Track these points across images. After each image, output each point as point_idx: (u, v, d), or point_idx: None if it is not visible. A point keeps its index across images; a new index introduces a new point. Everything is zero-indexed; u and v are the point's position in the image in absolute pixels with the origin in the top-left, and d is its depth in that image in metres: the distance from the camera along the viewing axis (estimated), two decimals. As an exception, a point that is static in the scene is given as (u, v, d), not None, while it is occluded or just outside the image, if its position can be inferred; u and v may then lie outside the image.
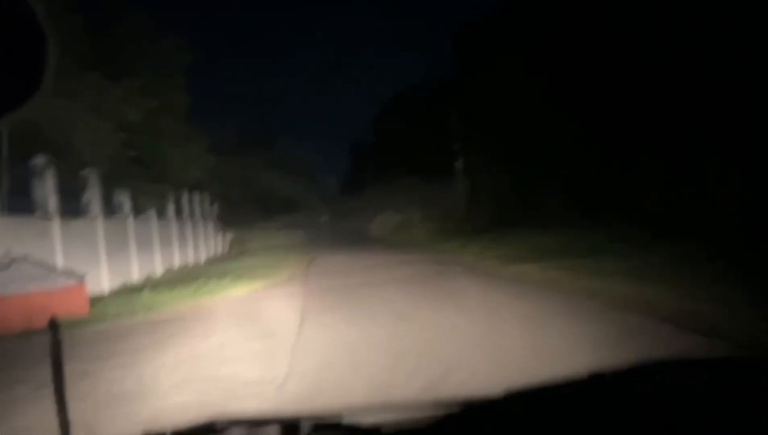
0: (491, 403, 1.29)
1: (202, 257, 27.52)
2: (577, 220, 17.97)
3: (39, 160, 13.77)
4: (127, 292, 14.90)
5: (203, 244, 28.46)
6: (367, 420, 1.24)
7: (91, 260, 15.39)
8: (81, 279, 12.06)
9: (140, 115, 15.58)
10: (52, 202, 13.93)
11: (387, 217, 37.15)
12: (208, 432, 1.13)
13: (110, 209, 17.47)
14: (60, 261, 13.58)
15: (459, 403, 1.29)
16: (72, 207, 15.00)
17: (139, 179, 17.85)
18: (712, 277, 8.58)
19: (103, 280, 15.96)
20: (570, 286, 10.13)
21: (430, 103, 32.67)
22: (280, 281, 15.30)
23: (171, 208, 23.20)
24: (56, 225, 13.73)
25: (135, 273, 18.42)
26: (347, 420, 1.22)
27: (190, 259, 25.34)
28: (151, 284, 16.65)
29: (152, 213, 20.72)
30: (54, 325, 1.63)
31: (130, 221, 18.66)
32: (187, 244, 25.42)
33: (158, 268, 20.61)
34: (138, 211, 19.47)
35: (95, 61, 14.27)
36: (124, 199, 18.45)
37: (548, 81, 20.67)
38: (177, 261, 23.25)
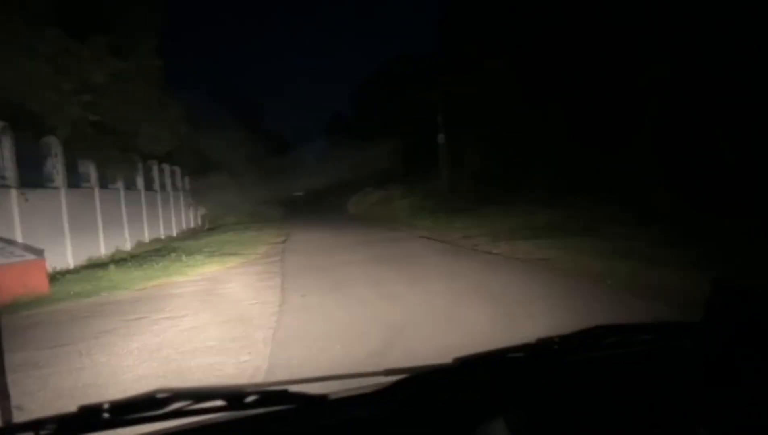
0: (440, 369, 1.28)
1: (174, 231, 26.53)
2: (561, 199, 17.36)
3: (-6, 125, 12.74)
4: (93, 267, 13.98)
5: (175, 217, 27.43)
6: (315, 389, 1.20)
7: (54, 234, 14.42)
8: (39, 254, 11.15)
9: (107, 78, 14.45)
10: (10, 170, 12.89)
11: (365, 194, 36.22)
12: (149, 404, 1.06)
13: (75, 180, 16.43)
14: (19, 234, 12.60)
15: (409, 370, 1.27)
16: (33, 178, 13.97)
17: (107, 148, 16.74)
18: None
19: (67, 254, 15.01)
20: (570, 266, 9.47)
21: (413, 75, 31.81)
22: (257, 258, 14.47)
23: (141, 180, 22.16)
24: (14, 196, 12.71)
25: (102, 247, 17.44)
26: (293, 389, 1.18)
27: (162, 233, 24.34)
28: (119, 259, 15.76)
29: (120, 184, 19.70)
30: None
31: (97, 193, 17.63)
32: (158, 217, 24.40)
33: (127, 243, 19.62)
34: (105, 182, 18.45)
35: (57, 17, 13.14)
36: (89, 170, 17.41)
37: (533, 60, 20.10)
38: (147, 235, 22.27)
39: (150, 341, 6.45)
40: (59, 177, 15.18)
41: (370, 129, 44.83)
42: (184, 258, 14.46)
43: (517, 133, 22.02)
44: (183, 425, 1.16)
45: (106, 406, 1.03)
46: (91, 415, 1.04)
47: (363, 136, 47.58)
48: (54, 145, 14.91)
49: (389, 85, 40.29)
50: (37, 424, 1.02)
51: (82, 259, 15.60)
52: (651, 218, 12.55)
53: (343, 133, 59.72)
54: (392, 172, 34.14)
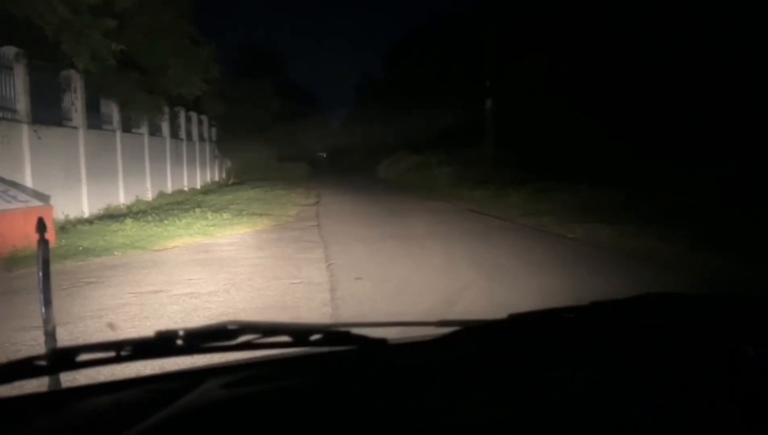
0: (494, 323, 1.28)
1: (198, 184, 25.19)
2: (616, 178, 15.57)
3: (7, 50, 11.22)
4: (110, 218, 12.57)
5: (200, 169, 26.08)
6: (376, 333, 1.22)
7: (69, 178, 13.04)
8: (46, 200, 9.77)
9: (133, 1, 12.79)
10: (22, 103, 11.43)
11: (398, 158, 34.40)
12: (220, 334, 1.07)
13: (95, 121, 14.99)
14: (29, 177, 11.21)
15: (464, 323, 1.28)
16: (49, 114, 12.52)
17: (131, 87, 15.22)
18: None
19: (82, 201, 13.66)
20: (692, 266, 7.76)
21: (456, 36, 29.89)
22: (289, 221, 12.97)
23: (166, 126, 20.71)
24: (25, 132, 11.26)
25: (122, 196, 16.10)
26: (356, 331, 1.18)
27: (185, 184, 23.00)
28: (138, 211, 14.37)
29: (144, 129, 18.26)
30: (44, 241, 2.29)
31: (119, 136, 16.20)
32: (183, 168, 23.02)
33: (149, 193, 18.28)
34: (128, 125, 17.00)
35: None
36: (112, 111, 15.95)
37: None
38: (170, 186, 20.95)
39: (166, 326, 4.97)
40: (78, 115, 13.72)
41: (403, 91, 42.94)
42: (209, 215, 13.00)
43: (569, 107, 20.21)
44: (250, 358, 1.25)
45: (181, 333, 1.05)
46: (167, 340, 1.05)
47: (394, 98, 45.68)
48: (74, 79, 13.42)
49: (425, 47, 38.29)
50: (118, 346, 1.02)
51: (99, 207, 14.26)
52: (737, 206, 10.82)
53: (373, 95, 57.79)
54: (428, 138, 32.30)
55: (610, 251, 8.84)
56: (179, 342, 1.06)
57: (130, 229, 10.98)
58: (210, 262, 8.16)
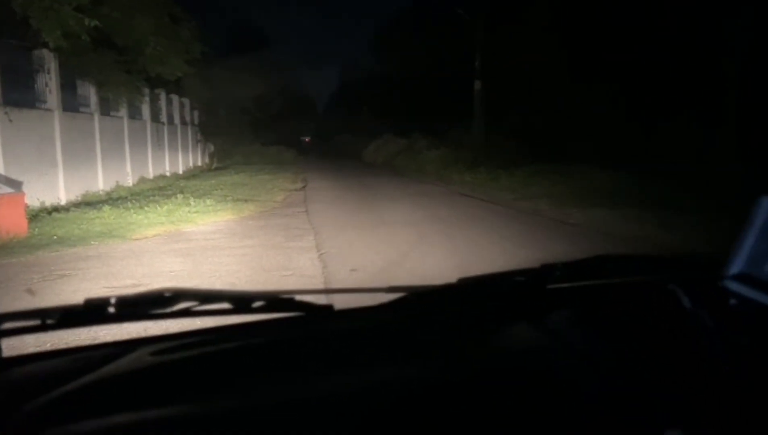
0: (443, 287, 1.27)
1: (181, 168, 24.51)
2: (613, 162, 15.16)
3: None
4: (88, 205, 12.00)
5: (182, 153, 25.33)
6: (320, 301, 1.22)
7: (44, 163, 12.41)
8: (18, 187, 9.19)
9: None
10: (-9, 84, 10.80)
11: (386, 142, 33.80)
12: (156, 301, 1.05)
13: (72, 103, 14.31)
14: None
15: (413, 288, 1.26)
16: (21, 96, 11.86)
17: (108, 67, 14.53)
18: None
19: (58, 188, 13.02)
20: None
21: (445, 16, 29.19)
22: (276, 207, 12.45)
23: (147, 109, 20.01)
24: (-6, 114, 10.64)
25: (101, 182, 15.46)
26: (302, 298, 1.17)
27: (167, 169, 22.31)
28: (117, 197, 13.79)
29: (124, 112, 17.57)
30: None
31: (97, 119, 15.52)
32: (164, 152, 22.31)
33: (129, 178, 17.63)
34: (107, 108, 16.32)
35: None
36: (89, 93, 15.27)
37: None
38: (152, 171, 20.25)
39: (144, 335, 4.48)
40: (53, 97, 13.04)
41: (389, 74, 42.30)
42: (192, 201, 12.44)
43: (563, 89, 19.75)
44: (190, 327, 1.19)
45: (112, 300, 1.02)
46: (96, 307, 1.03)
47: (380, 81, 45.07)
48: (47, 58, 12.73)
49: (412, 29, 37.66)
50: (43, 313, 1.00)
51: (77, 193, 13.64)
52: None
53: (359, 78, 57.10)
54: (416, 121, 31.73)
55: (617, 239, 8.40)
56: (111, 309, 1.02)
57: (108, 216, 10.43)
58: (193, 251, 7.64)
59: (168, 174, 21.86)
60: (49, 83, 12.92)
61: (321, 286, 5.61)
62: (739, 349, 0.95)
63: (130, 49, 15.09)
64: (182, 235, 9.06)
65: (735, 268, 1.00)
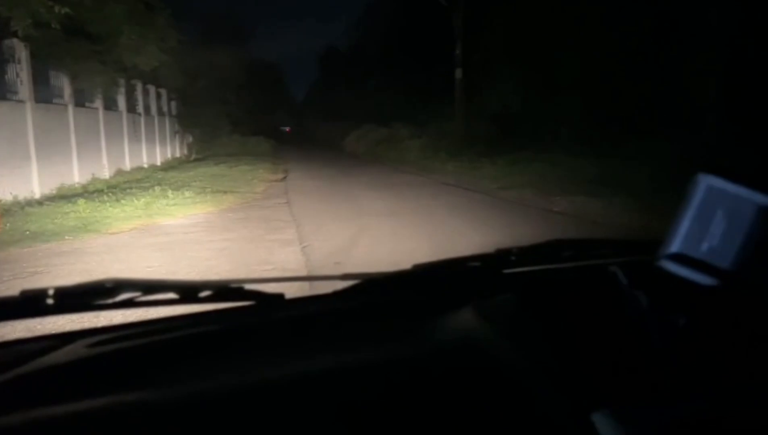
0: (397, 274, 1.26)
1: (159, 160, 24.12)
2: (594, 148, 15.06)
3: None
4: (63, 199, 11.69)
5: (159, 145, 24.94)
6: (275, 288, 1.17)
7: (16, 156, 12.08)
8: (-12, 181, 8.91)
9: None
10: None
11: (366, 131, 33.52)
12: (97, 292, 1.00)
13: (45, 95, 13.93)
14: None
15: (367, 275, 1.25)
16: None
17: (82, 57, 14.15)
18: None
19: (32, 181, 12.69)
20: None
21: (425, 3, 28.98)
22: (257, 199, 12.22)
23: (122, 100, 19.60)
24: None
25: (76, 174, 15.10)
26: (252, 287, 1.13)
27: (145, 161, 21.92)
28: (93, 190, 13.47)
29: (99, 104, 17.19)
30: None
31: (71, 111, 15.16)
32: (141, 143, 21.91)
33: (105, 170, 17.25)
34: (82, 100, 15.94)
35: None
36: (63, 84, 14.90)
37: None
38: (128, 163, 19.87)
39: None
40: (24, 88, 12.68)
41: (368, 63, 42.04)
42: (170, 194, 12.18)
43: (545, 73, 19.59)
44: (134, 318, 1.18)
45: (50, 291, 0.97)
46: (34, 299, 0.98)
47: (359, 70, 44.77)
48: (18, 48, 12.36)
49: (392, 15, 37.39)
50: None
51: (51, 186, 13.29)
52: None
53: (337, 68, 56.71)
54: (396, 110, 31.50)
55: (601, 226, 8.30)
56: (49, 301, 0.98)
57: (83, 210, 10.14)
58: (171, 246, 7.42)
59: (146, 166, 21.49)
60: (20, 74, 12.56)
61: (322, 288, 5.42)
62: (674, 328, 0.95)
63: (104, 39, 14.70)
64: (160, 228, 8.83)
65: (672, 247, 0.96)
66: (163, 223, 9.23)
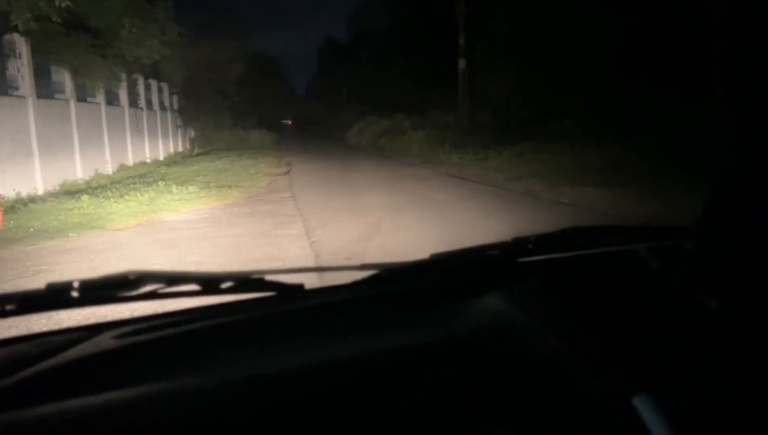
0: (415, 263, 1.26)
1: (162, 155, 24.00)
2: (599, 138, 14.88)
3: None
4: (66, 195, 11.60)
5: (162, 139, 24.81)
6: (295, 279, 1.16)
7: (19, 152, 11.97)
8: (-10, 178, 8.79)
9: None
10: (-40, 70, 10.33)
11: (369, 123, 33.33)
12: (120, 284, 0.99)
13: (47, 90, 13.82)
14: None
15: (385, 265, 1.24)
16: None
17: (83, 51, 14.01)
18: None
19: (35, 178, 12.58)
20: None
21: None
22: (262, 193, 12.11)
23: (124, 95, 19.47)
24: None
25: (79, 170, 14.99)
26: (270, 277, 1.12)
27: (147, 156, 21.80)
28: (97, 186, 13.38)
29: (101, 98, 17.06)
30: None
31: (73, 106, 15.04)
32: (144, 138, 21.78)
33: (108, 166, 17.14)
34: (83, 95, 15.81)
35: None
36: (64, 79, 14.77)
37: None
38: (131, 158, 19.75)
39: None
40: (25, 84, 12.56)
41: (369, 54, 41.78)
42: (174, 189, 12.07)
43: (550, 61, 19.38)
44: (158, 311, 1.18)
45: (75, 284, 0.97)
46: (59, 292, 0.97)
47: (361, 61, 44.51)
48: (18, 43, 12.23)
49: (395, 7, 37.16)
50: (2, 299, 0.94)
51: (54, 183, 13.19)
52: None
53: (338, 59, 56.45)
54: (399, 101, 31.30)
55: (615, 217, 8.15)
56: (74, 293, 0.97)
57: (87, 206, 10.05)
58: (177, 242, 7.31)
59: (148, 160, 21.39)
60: (21, 69, 12.43)
61: (316, 278, 5.30)
62: (707, 311, 0.94)
63: (105, 32, 14.56)
64: (165, 224, 8.72)
65: (700, 233, 1.00)
66: (167, 219, 9.12)
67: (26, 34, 11.82)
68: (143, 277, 1.01)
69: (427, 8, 29.65)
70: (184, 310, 1.18)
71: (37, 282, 5.57)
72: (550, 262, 1.33)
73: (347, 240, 7.05)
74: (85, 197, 10.64)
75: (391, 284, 1.27)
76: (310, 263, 5.96)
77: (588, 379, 0.83)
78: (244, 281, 1.12)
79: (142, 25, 15.23)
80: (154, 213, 9.57)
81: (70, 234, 7.90)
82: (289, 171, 16.94)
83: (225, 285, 1.08)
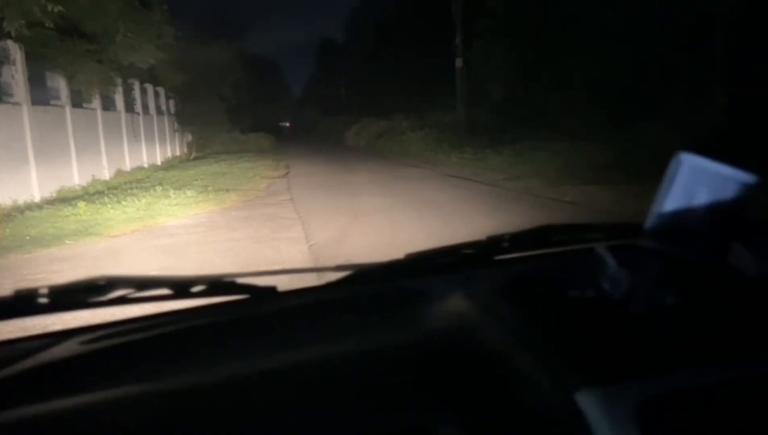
0: (390, 264, 1.27)
1: (159, 159, 23.93)
2: (598, 135, 14.80)
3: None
4: (63, 201, 11.52)
5: (159, 144, 24.77)
6: (266, 282, 1.16)
7: (15, 160, 11.91)
8: (-15, 186, 8.72)
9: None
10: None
11: (366, 124, 33.24)
12: (90, 290, 1.01)
13: (42, 96, 13.74)
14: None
15: (360, 266, 1.27)
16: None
17: (78, 57, 13.92)
18: None
19: (32, 185, 12.52)
20: None
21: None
22: (260, 196, 12.03)
23: (120, 100, 19.39)
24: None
25: (76, 176, 14.93)
26: (242, 280, 1.13)
27: (145, 161, 21.74)
28: (94, 192, 13.30)
29: (97, 104, 16.98)
30: None
31: (68, 112, 14.97)
32: (141, 143, 21.73)
33: (105, 171, 17.09)
34: (79, 101, 15.73)
35: None
36: (60, 85, 14.69)
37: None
38: (128, 163, 19.69)
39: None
40: (20, 90, 12.48)
41: (366, 55, 41.72)
42: (172, 193, 11.98)
43: (547, 57, 19.27)
44: (128, 315, 1.17)
45: (44, 290, 0.98)
46: (28, 298, 0.98)
47: (358, 63, 44.45)
48: (12, 49, 12.15)
49: (389, 4, 37.10)
50: None
51: (51, 189, 13.13)
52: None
53: (335, 61, 56.40)
54: (396, 102, 31.23)
55: (617, 216, 8.07)
56: (43, 300, 0.98)
57: (84, 212, 9.96)
58: (175, 248, 7.23)
59: (146, 165, 21.32)
60: (16, 76, 12.36)
61: (315, 281, 5.23)
62: (660, 306, 0.94)
63: (100, 37, 14.48)
64: (163, 229, 8.64)
65: (656, 224, 1.00)
66: (165, 224, 9.04)
67: (20, 40, 11.74)
68: (113, 283, 1.02)
69: (423, 7, 29.57)
70: (154, 314, 1.17)
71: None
72: (522, 259, 1.37)
73: (346, 243, 6.97)
74: (81, 204, 10.54)
75: (364, 285, 1.28)
76: (309, 266, 5.87)
77: (535, 377, 0.83)
78: (215, 285, 1.13)
79: (137, 30, 15.14)
80: (151, 218, 9.48)
81: (67, 241, 7.82)
82: (287, 173, 16.86)
83: (196, 289, 1.09)
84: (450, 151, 18.90)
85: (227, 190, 12.72)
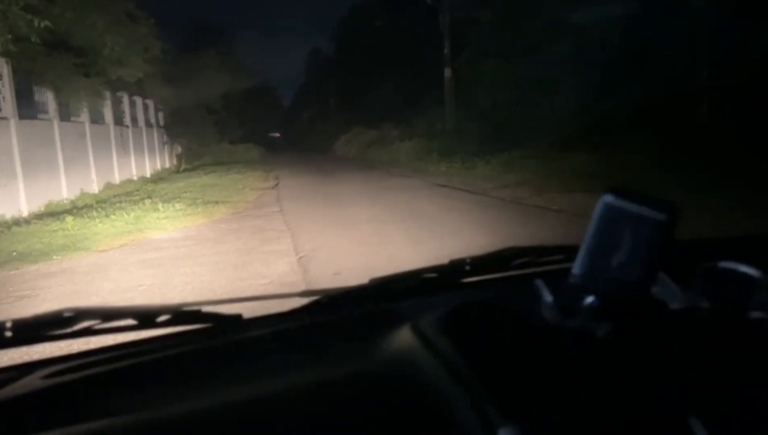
0: (354, 289, 1.29)
1: (148, 172, 23.85)
2: (583, 143, 14.86)
3: None
4: (51, 216, 11.46)
5: (148, 156, 24.68)
6: (230, 310, 1.19)
7: (2, 174, 11.83)
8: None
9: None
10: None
11: (356, 134, 33.30)
12: (55, 322, 1.02)
13: (30, 110, 13.67)
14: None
15: (325, 291, 1.30)
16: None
17: (66, 71, 13.90)
18: None
19: (19, 199, 12.43)
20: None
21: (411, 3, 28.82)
22: (249, 208, 12.01)
23: (109, 113, 19.34)
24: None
25: (64, 190, 14.84)
26: (207, 309, 1.16)
27: (134, 173, 21.66)
28: (82, 205, 13.24)
29: (85, 117, 16.93)
30: None
31: (56, 126, 14.91)
32: (130, 156, 21.65)
33: (94, 185, 17.02)
34: (67, 114, 15.68)
35: None
36: (47, 99, 14.64)
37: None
38: (117, 176, 19.61)
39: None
40: (7, 105, 12.42)
41: (355, 65, 41.78)
42: (161, 206, 11.95)
43: (535, 65, 19.35)
44: (94, 346, 1.17)
45: (8, 324, 0.98)
46: None
47: (347, 73, 44.51)
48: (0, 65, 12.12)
49: (377, 15, 37.20)
50: None
51: (39, 203, 13.05)
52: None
53: (324, 71, 56.44)
54: (385, 112, 31.32)
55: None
56: (6, 333, 0.97)
57: (71, 227, 9.90)
58: (163, 262, 7.20)
59: (135, 178, 21.24)
60: (3, 90, 12.30)
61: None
62: (593, 339, 0.93)
63: (87, 51, 14.46)
64: (151, 243, 8.61)
65: (581, 264, 0.96)
66: (154, 238, 9.01)
67: (6, 55, 11.71)
68: (78, 314, 1.01)
69: (411, 18, 29.70)
70: (118, 345, 1.16)
71: (20, 308, 5.47)
72: (486, 283, 1.39)
73: (336, 254, 6.97)
74: (69, 218, 10.48)
75: (329, 312, 1.28)
76: (299, 280, 5.86)
77: (465, 412, 0.83)
78: (179, 314, 1.14)
79: (124, 43, 15.13)
80: (140, 232, 9.45)
81: (55, 257, 7.78)
82: (277, 184, 16.86)
83: (161, 318, 1.10)
84: (439, 160, 18.98)
85: (216, 203, 12.70)
